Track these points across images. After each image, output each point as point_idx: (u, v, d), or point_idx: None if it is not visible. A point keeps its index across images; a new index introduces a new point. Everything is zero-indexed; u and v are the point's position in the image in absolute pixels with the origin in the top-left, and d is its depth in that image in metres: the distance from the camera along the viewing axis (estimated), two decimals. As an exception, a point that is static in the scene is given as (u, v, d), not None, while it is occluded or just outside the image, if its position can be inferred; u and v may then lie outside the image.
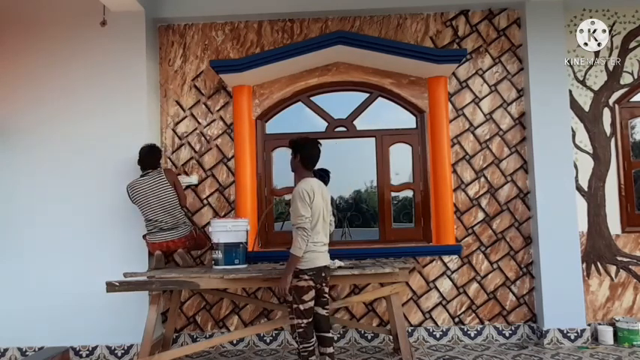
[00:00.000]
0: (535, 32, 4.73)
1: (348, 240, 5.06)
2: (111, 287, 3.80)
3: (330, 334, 3.55)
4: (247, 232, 4.34)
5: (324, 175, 4.25)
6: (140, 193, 4.31)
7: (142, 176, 4.39)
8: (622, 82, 4.90)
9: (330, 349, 3.53)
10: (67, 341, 4.56)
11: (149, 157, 4.40)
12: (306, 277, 3.40)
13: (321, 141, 3.65)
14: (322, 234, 3.52)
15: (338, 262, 3.97)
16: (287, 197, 5.06)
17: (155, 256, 4.40)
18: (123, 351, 4.57)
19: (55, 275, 4.60)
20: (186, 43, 5.00)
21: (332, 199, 3.74)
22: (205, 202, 4.89)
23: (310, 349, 3.41)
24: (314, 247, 3.44)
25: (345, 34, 4.63)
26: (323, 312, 3.54)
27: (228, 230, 4.17)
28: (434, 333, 4.75)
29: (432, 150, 4.80)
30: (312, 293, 3.43)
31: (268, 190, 4.97)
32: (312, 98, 5.02)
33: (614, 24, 4.92)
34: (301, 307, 3.39)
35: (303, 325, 3.40)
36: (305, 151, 3.56)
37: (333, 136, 4.95)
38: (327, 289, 3.58)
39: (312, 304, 3.44)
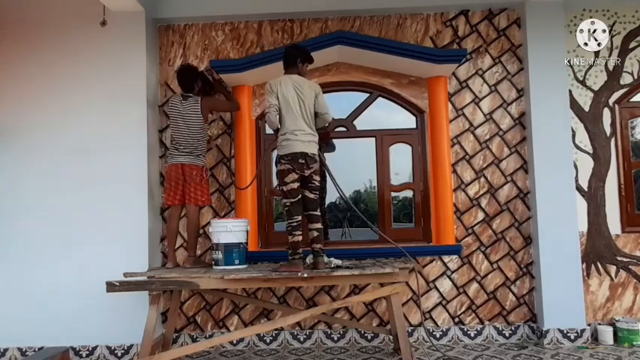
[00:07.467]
0: (535, 32, 4.73)
1: (348, 240, 5.07)
2: (111, 287, 3.80)
3: (316, 213, 3.91)
4: (247, 232, 4.34)
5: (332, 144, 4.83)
6: (175, 114, 4.45)
7: (184, 98, 4.47)
8: (622, 82, 4.90)
9: (317, 225, 3.87)
10: (67, 341, 4.56)
11: (184, 78, 4.53)
12: (283, 161, 3.81)
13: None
14: (298, 122, 3.82)
15: (335, 261, 3.98)
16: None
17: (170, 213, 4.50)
18: (123, 351, 4.57)
19: (54, 275, 4.59)
20: (186, 43, 5.00)
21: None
22: (205, 202, 4.89)
23: (294, 224, 3.82)
24: (289, 135, 3.81)
25: (345, 34, 4.63)
26: (310, 195, 3.91)
27: (228, 230, 4.17)
28: (434, 333, 4.75)
29: (432, 150, 4.80)
30: (292, 176, 3.80)
31: (268, 190, 4.97)
32: (312, 98, 5.02)
33: (614, 24, 4.92)
34: (284, 188, 3.83)
35: (288, 204, 3.83)
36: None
37: (333, 136, 4.96)
38: (314, 176, 3.88)
39: (294, 185, 3.82)
